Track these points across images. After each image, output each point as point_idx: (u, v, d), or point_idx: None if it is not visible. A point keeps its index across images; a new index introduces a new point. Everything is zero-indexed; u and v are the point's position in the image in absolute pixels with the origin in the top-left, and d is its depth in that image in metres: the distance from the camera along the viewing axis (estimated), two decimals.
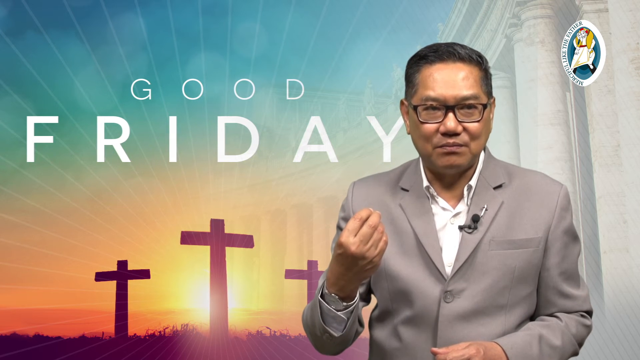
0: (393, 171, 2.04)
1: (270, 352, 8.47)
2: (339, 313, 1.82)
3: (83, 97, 8.40)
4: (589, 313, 1.99)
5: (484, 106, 1.86)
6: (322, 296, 1.84)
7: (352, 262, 1.74)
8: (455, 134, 1.84)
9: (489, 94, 1.90)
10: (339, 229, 2.05)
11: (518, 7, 9.81)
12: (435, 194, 1.94)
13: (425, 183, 1.94)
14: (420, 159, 1.97)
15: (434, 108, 1.85)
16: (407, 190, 1.96)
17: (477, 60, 1.87)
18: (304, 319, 1.98)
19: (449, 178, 1.93)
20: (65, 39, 8.73)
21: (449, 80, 1.84)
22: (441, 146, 1.86)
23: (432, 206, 1.93)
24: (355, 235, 1.71)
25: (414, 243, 1.90)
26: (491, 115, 1.93)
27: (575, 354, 1.93)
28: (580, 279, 1.99)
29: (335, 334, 1.85)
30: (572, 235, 1.96)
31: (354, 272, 1.75)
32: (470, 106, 1.85)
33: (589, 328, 1.96)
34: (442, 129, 1.84)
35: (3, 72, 8.57)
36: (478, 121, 1.85)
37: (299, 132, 8.17)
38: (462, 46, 1.88)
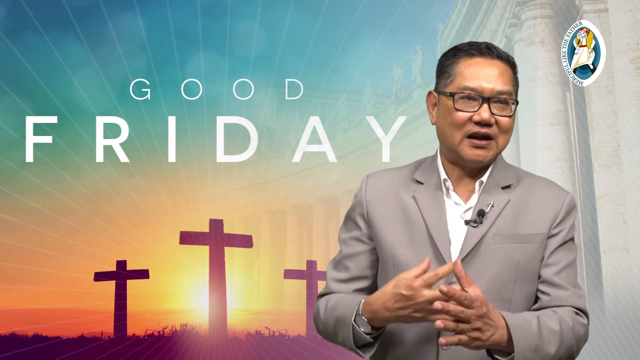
0: (407, 166, 2.09)
1: (269, 352, 8.47)
2: (368, 337, 1.86)
3: (82, 97, 8.40)
4: (585, 313, 1.99)
5: (516, 103, 1.95)
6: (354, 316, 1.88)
7: (404, 307, 1.78)
8: (488, 125, 1.92)
9: (517, 95, 1.99)
10: (348, 218, 2.08)
11: (518, 7, 9.81)
12: (451, 187, 1.98)
13: (443, 176, 1.99)
14: (439, 153, 2.03)
15: (470, 98, 1.92)
16: (422, 183, 2.01)
17: (512, 63, 1.98)
18: (322, 319, 1.99)
19: (466, 173, 1.98)
20: (64, 39, 8.73)
21: (487, 74, 1.93)
22: (471, 136, 1.92)
23: (445, 199, 1.98)
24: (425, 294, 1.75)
25: (425, 234, 1.94)
26: None
27: (573, 348, 1.92)
28: (577, 283, 2.01)
29: (362, 354, 1.90)
30: (572, 239, 2.00)
31: (399, 316, 1.80)
32: (504, 101, 1.93)
33: (585, 327, 1.97)
34: (476, 117, 1.92)
35: (2, 72, 8.58)
36: (510, 116, 1.94)
37: (298, 132, 8.17)
38: (497, 47, 1.99)
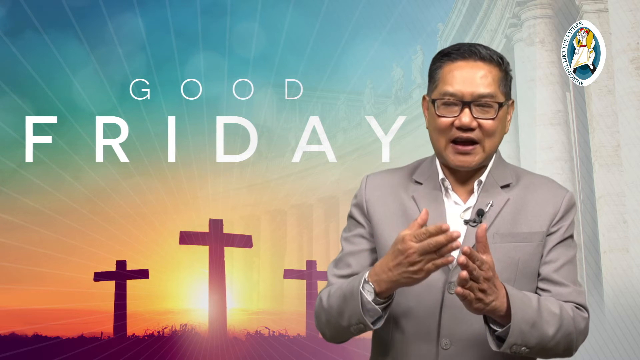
0: (407, 166, 2.10)
1: (269, 352, 8.46)
2: (377, 307, 1.84)
3: (82, 97, 8.40)
4: (585, 309, 1.99)
5: (500, 105, 1.93)
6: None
7: (400, 263, 1.76)
8: (469, 129, 1.91)
9: (507, 94, 1.97)
10: (350, 218, 2.09)
11: (518, 7, 9.81)
12: (449, 187, 1.99)
13: (441, 175, 2.00)
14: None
15: (451, 103, 1.92)
16: (421, 184, 2.02)
17: (497, 61, 1.95)
18: (325, 307, 1.96)
19: (463, 173, 1.99)
20: (64, 39, 8.73)
21: (468, 78, 1.91)
22: (454, 140, 1.92)
23: (445, 199, 1.99)
24: (417, 242, 1.73)
25: None
26: (508, 117, 1.99)
27: (572, 337, 1.92)
28: (577, 280, 2.01)
29: (371, 325, 1.86)
30: (571, 236, 2.01)
31: (399, 273, 1.78)
32: (486, 104, 1.91)
33: (586, 320, 1.97)
34: (457, 122, 1.91)
35: (2, 72, 8.57)
36: (493, 119, 1.92)
37: (298, 132, 8.16)
38: (485, 47, 1.96)
